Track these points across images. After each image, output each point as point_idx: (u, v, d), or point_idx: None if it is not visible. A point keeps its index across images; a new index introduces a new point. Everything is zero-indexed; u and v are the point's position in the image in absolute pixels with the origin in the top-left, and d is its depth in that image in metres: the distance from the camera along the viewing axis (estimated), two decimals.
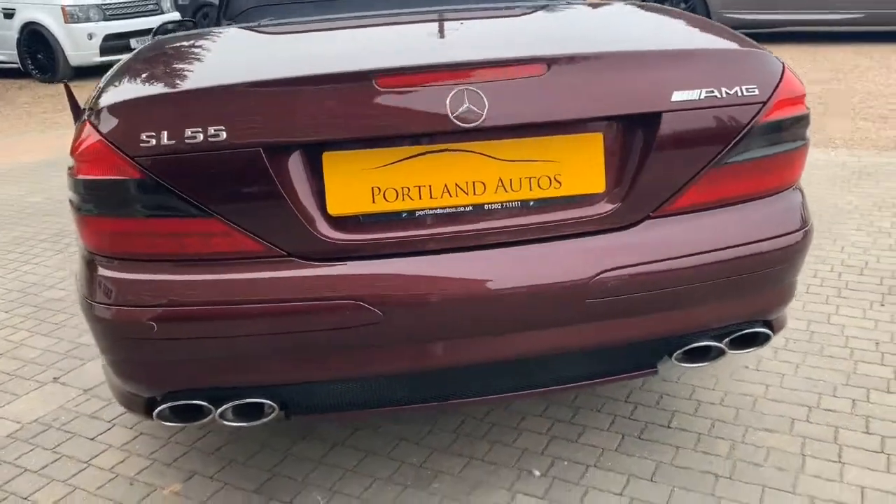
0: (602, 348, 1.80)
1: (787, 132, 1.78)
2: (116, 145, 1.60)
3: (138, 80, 1.81)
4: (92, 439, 2.38)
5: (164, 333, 1.65)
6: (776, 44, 8.67)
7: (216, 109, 1.59)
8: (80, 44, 9.98)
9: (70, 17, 9.92)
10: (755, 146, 1.75)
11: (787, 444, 2.17)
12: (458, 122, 1.60)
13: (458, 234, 1.68)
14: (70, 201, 1.74)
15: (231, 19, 2.85)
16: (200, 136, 1.57)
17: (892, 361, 2.55)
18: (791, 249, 1.82)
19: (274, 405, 1.76)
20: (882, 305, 2.93)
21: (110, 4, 10.17)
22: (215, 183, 1.60)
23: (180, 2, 11.62)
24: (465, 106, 1.60)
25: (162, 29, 3.35)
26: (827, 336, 2.72)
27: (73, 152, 1.67)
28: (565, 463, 2.14)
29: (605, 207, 1.71)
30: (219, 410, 1.75)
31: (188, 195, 1.60)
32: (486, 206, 1.69)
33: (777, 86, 1.76)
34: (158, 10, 10.71)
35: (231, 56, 2.04)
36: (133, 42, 10.17)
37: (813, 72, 7.60)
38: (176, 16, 10.64)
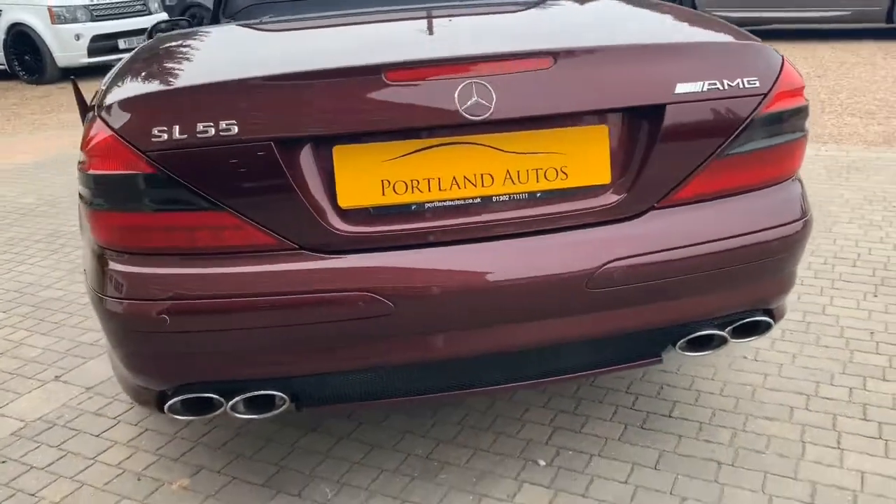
0: (608, 338, 1.83)
1: (787, 123, 1.82)
2: (128, 140, 1.61)
3: (147, 76, 1.82)
4: (97, 436, 2.38)
5: (176, 327, 1.67)
6: (763, 41, 8.72)
7: (227, 104, 1.60)
8: (67, 45, 9.94)
9: (57, 17, 9.87)
10: (757, 137, 1.78)
11: (788, 431, 2.21)
12: (466, 115, 1.62)
13: (466, 226, 1.70)
14: (80, 196, 1.75)
15: (231, 17, 2.86)
16: (212, 131, 1.59)
17: (886, 350, 2.60)
18: (792, 239, 1.85)
19: (285, 397, 1.78)
20: (875, 296, 2.98)
21: (98, 5, 10.12)
22: (227, 177, 1.61)
23: (168, 2, 11.59)
24: (474, 99, 1.62)
25: (156, 28, 3.35)
26: (822, 326, 2.77)
27: (83, 147, 1.69)
28: (570, 453, 2.17)
29: (611, 198, 1.74)
30: (230, 403, 1.76)
31: (199, 189, 1.61)
32: (493, 198, 1.71)
33: (777, 78, 1.80)
34: (146, 11, 10.68)
35: (238, 52, 2.05)
36: (121, 43, 10.15)
37: (800, 69, 7.67)
38: (164, 16, 10.60)
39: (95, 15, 10.09)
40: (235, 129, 1.59)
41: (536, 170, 1.71)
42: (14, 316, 3.27)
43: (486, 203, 1.71)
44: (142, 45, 2.33)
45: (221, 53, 2.06)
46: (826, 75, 7.34)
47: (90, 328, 3.10)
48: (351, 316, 1.66)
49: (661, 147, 1.72)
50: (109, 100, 1.69)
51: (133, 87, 1.74)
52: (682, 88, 1.71)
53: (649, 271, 1.74)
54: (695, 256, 1.76)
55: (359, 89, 1.62)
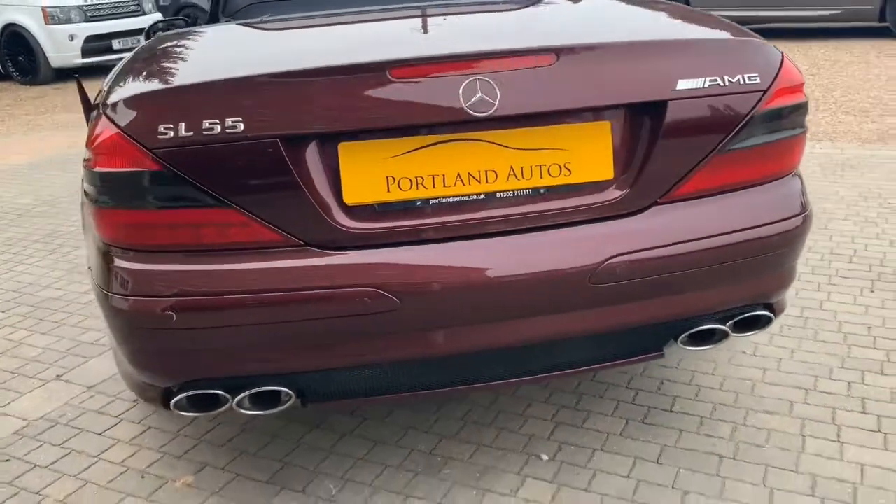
0: (612, 332, 1.84)
1: (787, 119, 1.84)
2: (134, 137, 1.62)
3: (152, 74, 1.83)
4: (100, 434, 2.39)
5: (182, 323, 1.67)
6: None
7: (233, 101, 1.61)
8: (61, 45, 9.91)
9: (51, 18, 9.85)
10: (757, 133, 1.80)
11: (788, 425, 2.22)
12: (470, 112, 1.63)
13: (470, 222, 1.71)
14: (85, 193, 1.76)
15: (230, 16, 2.86)
16: (218, 128, 1.59)
17: (884, 345, 2.62)
18: (792, 234, 1.87)
19: (290, 393, 1.79)
20: (872, 291, 3.01)
21: (91, 6, 10.10)
22: (233, 174, 1.62)
23: (161, 2, 11.56)
24: (478, 96, 1.63)
25: (154, 28, 3.35)
26: (820, 322, 2.79)
27: (89, 145, 1.69)
28: (572, 447, 2.19)
29: (614, 194, 1.76)
30: (236, 399, 1.77)
31: (206, 186, 1.62)
32: (497, 194, 1.72)
33: (777, 74, 1.81)
34: (140, 11, 10.66)
35: (242, 50, 2.06)
36: (115, 43, 10.13)
37: None
38: (158, 17, 10.58)
39: (89, 15, 10.07)
40: (241, 127, 1.60)
41: (540, 166, 1.72)
42: (13, 316, 3.27)
43: (491, 199, 1.72)
44: (143, 44, 2.33)
45: (225, 51, 2.06)
46: (820, 73, 7.38)
47: (90, 327, 3.10)
48: (356, 312, 1.67)
49: (663, 143, 1.74)
50: (115, 97, 1.70)
51: (138, 85, 1.75)
52: (683, 85, 1.72)
53: (652, 266, 1.75)
54: (697, 251, 1.78)
55: (364, 86, 1.63)
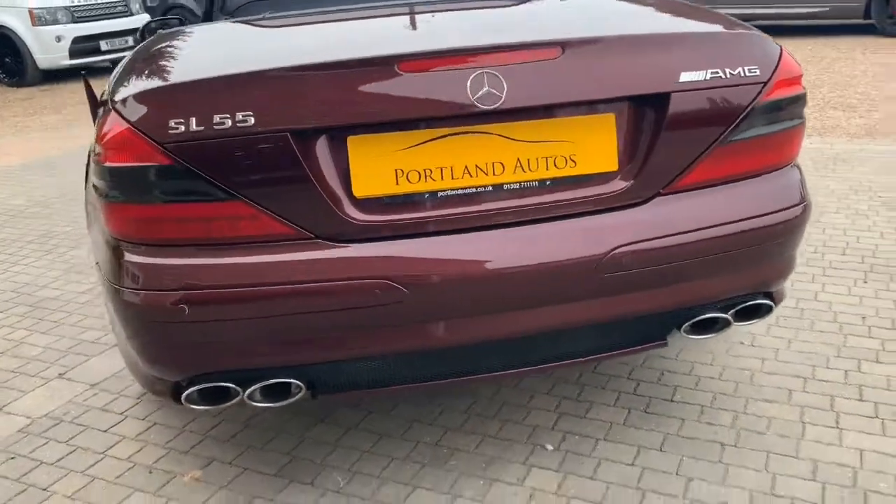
0: (616, 321, 1.87)
1: (786, 111, 1.87)
2: (145, 132, 1.63)
3: (159, 70, 1.84)
4: (105, 431, 2.39)
5: (194, 317, 1.69)
6: None
7: (244, 96, 1.62)
8: (48, 47, 9.85)
9: (38, 19, 9.78)
10: (758, 124, 1.83)
11: (787, 413, 2.26)
12: (478, 105, 1.65)
13: (478, 214, 1.73)
14: (94, 188, 1.77)
15: (229, 14, 2.87)
16: (229, 122, 1.61)
17: (878, 334, 2.67)
18: (792, 223, 1.91)
19: (301, 385, 1.80)
20: (865, 282, 3.05)
21: (79, 6, 10.05)
22: (244, 167, 1.63)
23: (149, 3, 11.52)
24: (486, 89, 1.65)
25: (148, 28, 3.35)
26: (816, 312, 2.83)
27: (99, 140, 1.70)
28: (576, 437, 2.21)
29: (619, 185, 1.78)
30: (247, 392, 1.78)
31: (217, 180, 1.64)
32: (504, 186, 1.75)
33: (776, 66, 1.85)
34: (128, 12, 10.61)
35: (248, 46, 2.07)
36: (103, 44, 10.09)
37: None
38: (146, 17, 10.54)
39: (77, 16, 10.02)
40: (252, 121, 1.61)
41: (546, 158, 1.75)
42: (12, 316, 3.26)
43: (498, 191, 1.75)
44: (145, 41, 2.34)
45: (231, 47, 2.08)
46: (808, 70, 7.45)
47: (90, 326, 3.10)
48: (367, 303, 1.69)
49: (667, 134, 1.76)
50: (124, 93, 1.71)
51: (148, 81, 1.76)
52: (686, 77, 1.75)
53: (656, 256, 1.78)
54: (699, 241, 1.81)
55: (373, 80, 1.65)
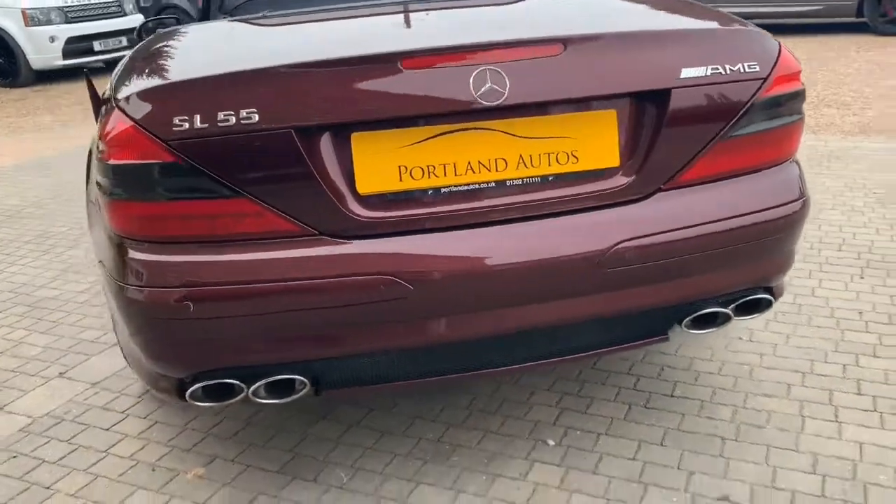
0: (620, 316, 1.88)
1: (785, 106, 1.89)
2: (149, 130, 1.63)
3: (162, 68, 1.84)
4: (107, 430, 2.39)
5: (198, 313, 1.69)
6: None
7: (248, 93, 1.63)
8: (41, 47, 9.81)
9: (31, 20, 9.74)
10: (757, 120, 1.85)
11: (786, 407, 2.28)
12: (481, 101, 1.66)
13: (480, 210, 1.74)
14: (98, 186, 1.77)
15: (227, 13, 2.87)
16: (233, 119, 1.62)
17: (875, 329, 2.69)
18: (791, 218, 1.92)
19: (305, 381, 1.81)
20: (861, 278, 3.07)
21: (72, 7, 10.01)
22: (248, 164, 1.64)
23: (142, 3, 11.49)
24: (488, 85, 1.66)
25: (145, 27, 3.35)
26: (813, 308, 2.85)
27: (102, 138, 1.70)
28: (578, 432, 2.22)
29: (620, 181, 1.79)
30: (251, 389, 1.79)
31: (221, 177, 1.64)
32: (507, 182, 1.76)
33: (776, 62, 1.87)
34: (121, 13, 10.57)
35: (250, 43, 2.08)
36: (97, 45, 10.05)
37: None
38: (140, 18, 10.51)
39: (70, 17, 9.98)
40: (256, 118, 1.62)
41: (548, 154, 1.76)
42: (11, 315, 3.26)
43: (500, 187, 1.76)
44: (145, 40, 2.34)
45: (234, 45, 2.08)
46: (802, 68, 7.48)
47: (89, 326, 3.10)
48: (371, 300, 1.70)
49: (667, 130, 1.78)
50: (128, 91, 1.71)
51: (150, 79, 1.76)
52: (686, 73, 1.77)
53: (658, 251, 1.80)
54: (700, 236, 1.82)
55: (376, 77, 1.66)
